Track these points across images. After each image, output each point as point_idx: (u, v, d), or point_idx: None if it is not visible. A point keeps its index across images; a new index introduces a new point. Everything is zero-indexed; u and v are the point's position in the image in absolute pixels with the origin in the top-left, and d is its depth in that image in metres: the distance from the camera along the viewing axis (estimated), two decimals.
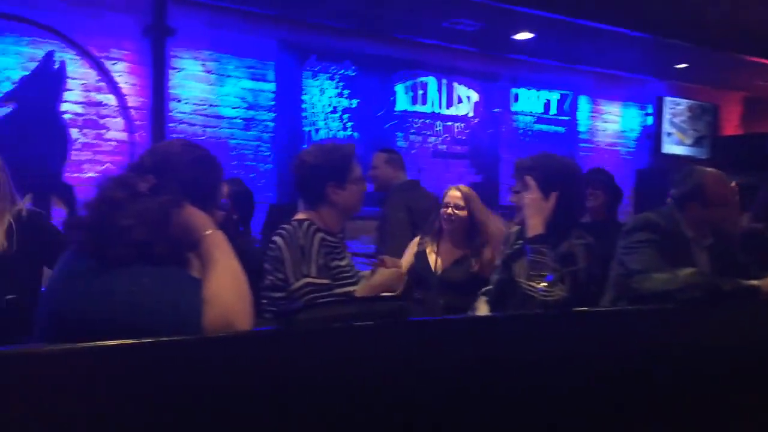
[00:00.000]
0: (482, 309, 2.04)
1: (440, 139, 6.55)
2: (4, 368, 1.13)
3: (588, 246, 2.26)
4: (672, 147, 8.03)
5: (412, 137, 6.38)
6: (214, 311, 1.40)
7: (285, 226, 2.35)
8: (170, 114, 5.15)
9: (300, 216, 2.39)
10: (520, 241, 2.51)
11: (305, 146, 5.71)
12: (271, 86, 5.63)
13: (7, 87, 4.57)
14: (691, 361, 1.92)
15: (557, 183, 2.36)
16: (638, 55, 6.75)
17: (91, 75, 4.88)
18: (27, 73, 4.63)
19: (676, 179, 2.82)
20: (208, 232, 1.49)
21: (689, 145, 8.19)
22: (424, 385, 1.52)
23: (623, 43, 6.19)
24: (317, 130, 5.85)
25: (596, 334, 1.86)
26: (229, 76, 5.43)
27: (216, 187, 1.62)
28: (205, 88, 5.34)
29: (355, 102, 6.03)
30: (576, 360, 1.74)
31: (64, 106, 4.79)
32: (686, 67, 7.18)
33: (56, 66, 4.73)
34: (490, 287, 2.58)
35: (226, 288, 1.43)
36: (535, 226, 2.26)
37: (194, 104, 5.29)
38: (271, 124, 5.65)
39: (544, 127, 7.20)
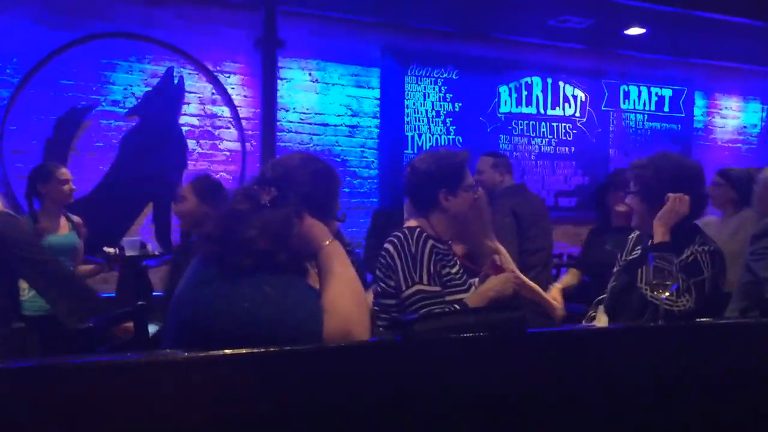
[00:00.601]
0: (602, 320, 1.96)
1: (546, 140, 6.40)
2: (134, 375, 1.21)
3: (713, 253, 2.13)
4: None
5: (516, 139, 6.27)
6: (333, 320, 1.43)
7: (396, 233, 2.37)
8: (279, 123, 5.33)
9: (410, 223, 2.40)
10: (639, 248, 2.40)
11: (408, 151, 5.75)
12: (375, 93, 5.71)
13: (132, 102, 4.89)
14: None
15: (678, 185, 2.24)
16: (758, 45, 6.31)
17: (207, 88, 5.13)
18: (149, 88, 4.93)
19: None
20: (327, 242, 1.53)
21: None
22: (542, 397, 1.49)
23: (742, 33, 5.82)
24: (420, 135, 5.87)
25: (724, 347, 1.76)
26: (334, 84, 5.56)
27: (334, 198, 1.65)
28: (312, 97, 5.48)
29: (458, 105, 6.00)
30: (703, 375, 1.65)
31: (182, 119, 5.06)
32: None
33: (176, 81, 5.01)
34: (605, 295, 2.49)
35: (344, 298, 1.46)
36: (660, 233, 2.16)
37: (301, 113, 5.45)
38: (376, 131, 5.72)
39: (656, 124, 6.88)
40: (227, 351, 1.24)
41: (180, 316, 1.51)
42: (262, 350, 1.26)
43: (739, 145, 7.35)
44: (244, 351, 1.25)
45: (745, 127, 7.38)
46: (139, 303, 2.01)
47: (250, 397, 1.25)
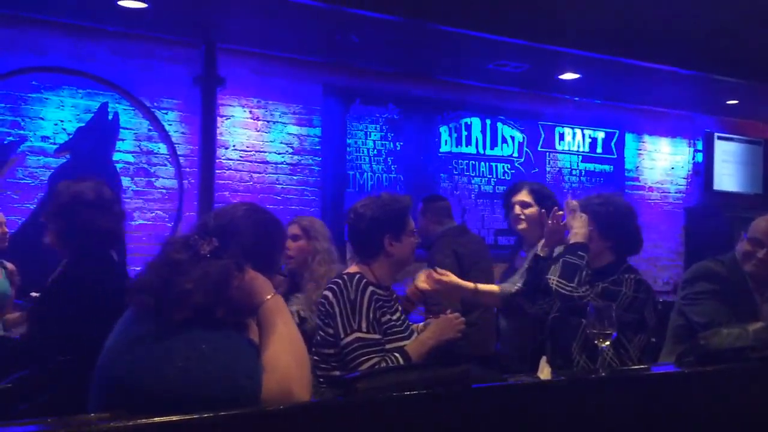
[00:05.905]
0: (545, 371, 1.97)
1: (485, 179, 6.50)
2: None
3: (639, 281, 2.38)
4: (723, 183, 7.82)
5: (456, 178, 6.35)
6: (272, 379, 1.37)
7: (335, 279, 2.33)
8: (218, 160, 5.23)
9: (351, 269, 2.37)
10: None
11: (350, 190, 5.74)
12: (317, 131, 5.69)
13: (63, 138, 4.71)
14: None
15: (624, 222, 2.38)
16: (686, 91, 6.63)
17: (143, 125, 5.00)
18: (82, 124, 4.77)
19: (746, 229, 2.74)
20: (269, 296, 1.48)
21: (740, 182, 7.97)
22: None
23: (671, 80, 6.10)
24: (362, 174, 5.87)
25: (670, 396, 1.78)
26: (275, 122, 5.51)
27: (278, 250, 1.61)
28: (253, 135, 5.42)
29: (399, 144, 6.04)
30: (651, 425, 1.66)
31: (116, 155, 4.91)
32: (737, 102, 7.02)
33: (110, 117, 4.86)
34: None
35: (285, 356, 1.40)
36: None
37: (241, 151, 5.37)
38: (317, 169, 5.69)
39: (590, 165, 7.10)
40: (156, 419, 1.16)
41: (109, 376, 1.42)
42: (195, 416, 1.19)
43: (667, 185, 7.65)
44: (175, 418, 1.17)
45: (673, 168, 7.69)
46: (62, 358, 1.89)
47: None
